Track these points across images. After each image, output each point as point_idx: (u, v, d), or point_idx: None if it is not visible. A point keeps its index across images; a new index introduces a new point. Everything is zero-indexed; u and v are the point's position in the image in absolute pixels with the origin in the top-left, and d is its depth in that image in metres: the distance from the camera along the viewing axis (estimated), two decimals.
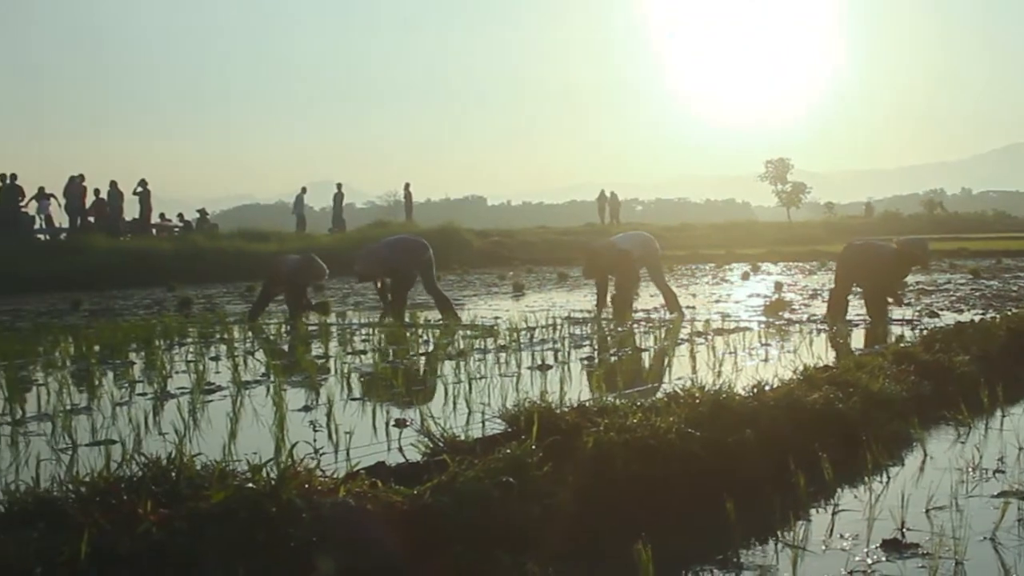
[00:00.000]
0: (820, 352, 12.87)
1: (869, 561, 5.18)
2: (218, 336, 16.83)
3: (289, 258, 20.94)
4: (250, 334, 17.15)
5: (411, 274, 19.19)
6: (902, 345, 11.12)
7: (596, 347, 13.88)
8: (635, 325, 16.79)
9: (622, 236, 19.30)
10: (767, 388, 7.78)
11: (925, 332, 12.65)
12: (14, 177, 40.31)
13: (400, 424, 8.66)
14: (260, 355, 13.90)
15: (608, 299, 18.83)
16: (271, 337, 16.97)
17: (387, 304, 19.26)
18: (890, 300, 17.12)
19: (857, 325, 16.27)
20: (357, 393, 10.42)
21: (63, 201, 42.40)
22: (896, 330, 14.98)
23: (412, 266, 19.05)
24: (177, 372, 12.30)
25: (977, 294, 22.17)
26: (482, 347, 13.79)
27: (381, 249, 19.23)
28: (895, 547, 5.36)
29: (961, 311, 18.03)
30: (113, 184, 44.37)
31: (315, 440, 7.67)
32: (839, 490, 6.51)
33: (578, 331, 15.84)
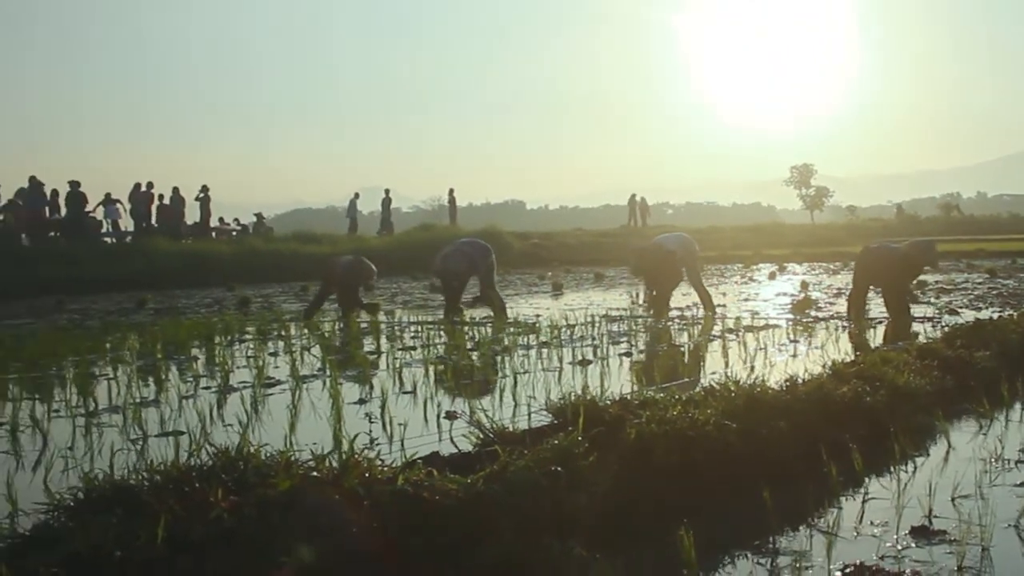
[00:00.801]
0: (846, 348, 12.82)
1: (899, 547, 5.15)
2: (276, 333, 16.87)
3: (341, 259, 21.16)
4: (306, 331, 17.19)
5: (463, 278, 19.44)
6: (925, 341, 11.05)
7: (634, 343, 13.82)
8: (670, 322, 16.76)
9: (667, 236, 19.30)
10: (798, 382, 7.74)
11: (946, 329, 12.58)
12: (77, 184, 40.51)
13: (451, 416, 8.66)
14: (316, 351, 13.94)
15: (649, 297, 18.84)
16: (326, 334, 16.99)
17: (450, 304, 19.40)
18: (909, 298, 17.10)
19: (881, 322, 16.19)
20: (408, 387, 10.42)
21: (128, 206, 42.60)
22: (917, 327, 14.89)
23: (475, 269, 19.28)
24: (238, 367, 12.33)
25: (994, 292, 22.00)
26: (525, 343, 13.78)
27: (461, 248, 19.47)
28: (923, 534, 5.33)
29: (979, 309, 17.90)
30: (176, 190, 44.55)
31: (371, 431, 7.69)
32: (868, 479, 6.47)
33: (615, 328, 15.80)
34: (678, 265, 18.41)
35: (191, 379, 11.55)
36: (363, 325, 17.75)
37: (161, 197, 43.97)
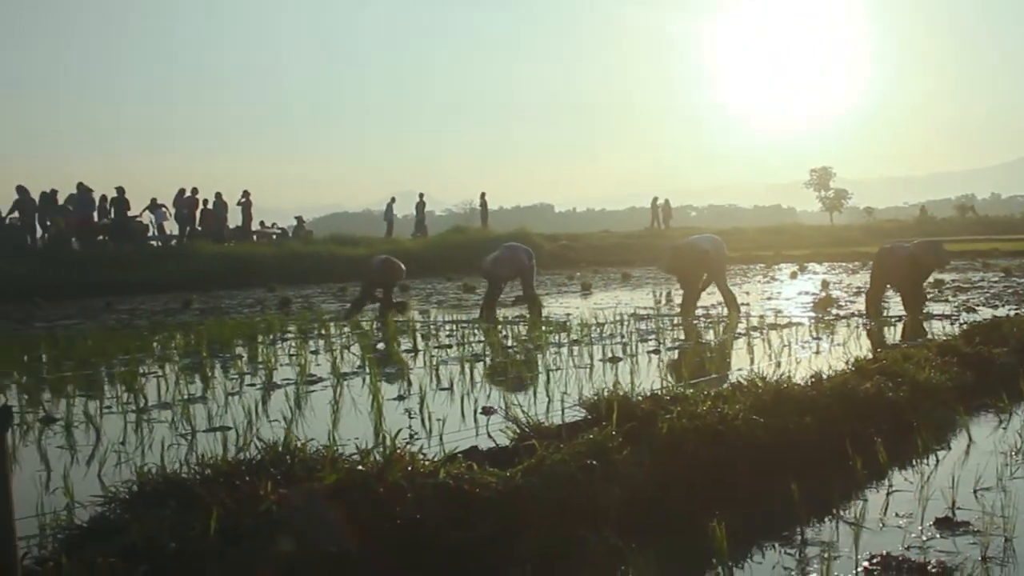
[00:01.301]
0: (867, 345, 12.76)
1: (924, 538, 5.11)
2: (316, 332, 16.91)
3: (372, 259, 21.55)
4: (345, 330, 17.20)
5: (507, 279, 19.88)
6: (944, 338, 10.98)
7: (661, 341, 13.78)
8: (697, 321, 16.72)
9: (700, 237, 19.30)
10: (823, 378, 7.71)
11: (964, 326, 12.50)
12: (123, 191, 40.65)
13: (487, 412, 8.66)
14: (356, 349, 13.95)
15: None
16: (364, 333, 17.00)
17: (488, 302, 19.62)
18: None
19: (900, 319, 16.11)
20: (445, 383, 10.41)
21: (173, 211, 42.72)
22: (936, 324, 14.79)
23: (520, 272, 19.66)
24: (281, 365, 12.36)
25: (1010, 291, 21.84)
26: (557, 341, 13.76)
27: (509, 252, 19.75)
28: (947, 525, 5.29)
29: (996, 306, 17.79)
30: (218, 195, 44.65)
31: (410, 426, 7.69)
32: (892, 472, 6.43)
33: (643, 326, 15.76)
34: (711, 264, 18.41)
35: (236, 376, 11.58)
36: (400, 323, 17.73)
37: (205, 202, 44.07)
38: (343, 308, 21.78)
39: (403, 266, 21.24)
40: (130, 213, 41.18)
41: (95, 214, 40.17)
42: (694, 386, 7.76)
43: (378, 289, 21.06)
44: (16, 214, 38.03)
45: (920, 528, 5.27)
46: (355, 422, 8.39)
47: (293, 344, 15.08)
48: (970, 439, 7.34)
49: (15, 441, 8.00)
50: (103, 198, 40.65)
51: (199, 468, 4.80)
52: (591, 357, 12.01)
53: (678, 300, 20.12)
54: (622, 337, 14.18)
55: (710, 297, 20.03)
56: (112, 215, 40.40)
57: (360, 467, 4.67)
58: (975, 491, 5.90)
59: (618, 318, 16.32)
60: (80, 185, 40.04)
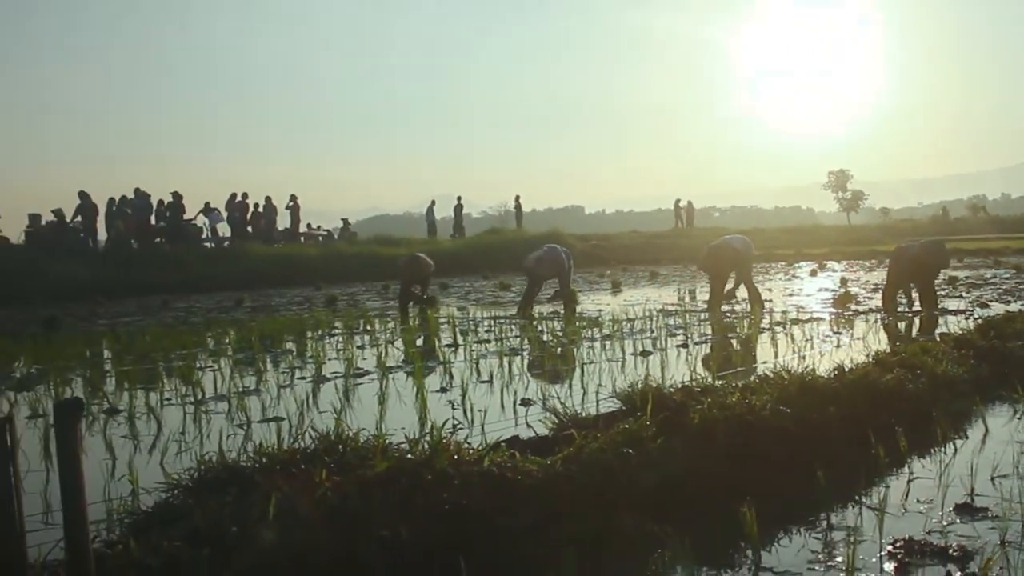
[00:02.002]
0: (884, 339, 12.69)
1: (944, 523, 5.08)
2: (361, 328, 16.94)
3: (400, 259, 22.13)
4: (389, 325, 17.23)
5: (546, 278, 20.02)
6: (960, 332, 10.90)
7: (689, 335, 13.73)
8: (722, 316, 16.68)
9: (732, 237, 19.33)
10: (846, 370, 7.67)
11: (979, 321, 12.41)
12: (179, 196, 40.86)
13: (526, 403, 8.65)
14: (399, 344, 13.97)
15: (729, 292, 18.98)
16: (407, 328, 17.03)
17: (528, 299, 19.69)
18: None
19: (916, 314, 16.02)
20: (485, 376, 10.41)
21: (226, 214, 42.88)
22: (951, 319, 14.68)
23: (560, 271, 19.74)
24: (329, 359, 12.39)
25: (1022, 287, 21.67)
26: (590, 336, 13.74)
27: (550, 253, 19.86)
28: (967, 511, 5.26)
29: (1009, 302, 17.65)
30: (268, 199, 44.80)
31: (453, 417, 7.68)
32: (912, 460, 6.39)
33: (672, 321, 15.72)
34: (741, 263, 18.49)
35: (287, 370, 11.61)
36: (441, 319, 17.75)
37: (255, 206, 44.23)
38: (388, 305, 21.82)
39: (430, 261, 21.67)
40: (185, 217, 41.38)
41: (152, 217, 40.37)
42: (723, 378, 7.74)
43: (416, 286, 21.36)
44: (79, 218, 38.28)
45: (940, 514, 5.24)
46: (401, 413, 8.40)
47: (340, 339, 15.11)
48: (986, 429, 7.28)
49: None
50: (159, 202, 40.87)
51: (257, 457, 4.82)
52: (623, 351, 11.99)
53: (703, 297, 20.12)
54: (652, 332, 14.14)
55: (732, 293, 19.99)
56: (168, 218, 40.60)
57: (409, 455, 4.68)
58: (992, 478, 5.86)
59: (647, 314, 16.29)
60: (137, 190, 40.28)
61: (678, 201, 65.97)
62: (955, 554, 4.56)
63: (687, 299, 22.58)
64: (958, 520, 5.13)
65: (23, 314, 24.53)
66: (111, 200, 39.49)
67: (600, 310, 18.65)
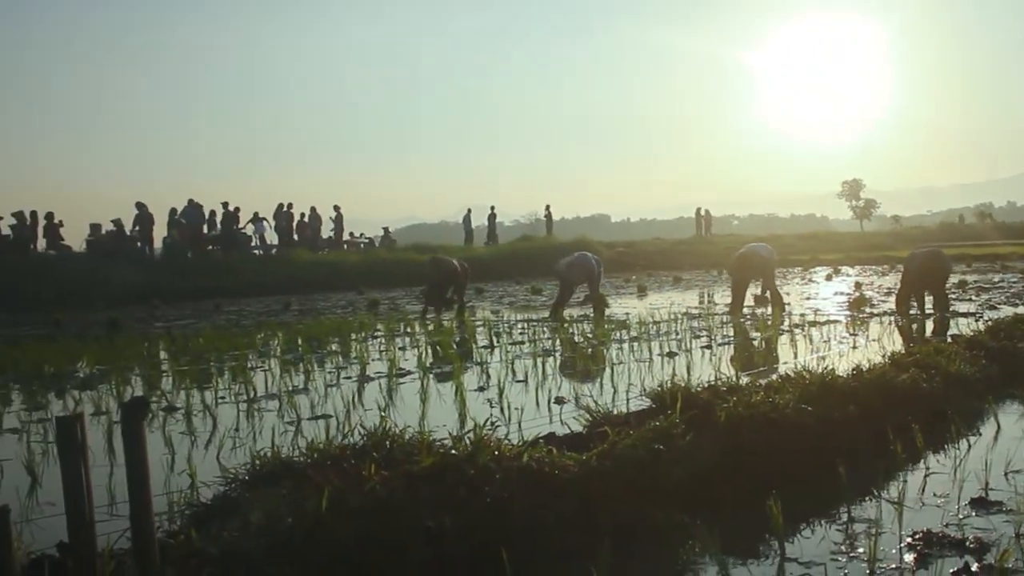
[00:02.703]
0: (899, 340, 12.60)
1: (960, 516, 5.04)
2: (402, 330, 16.96)
3: (425, 263, 22.59)
4: (428, 328, 17.24)
5: (578, 283, 20.04)
6: (971, 334, 10.81)
7: (713, 337, 13.67)
8: (744, 319, 16.62)
9: (758, 245, 19.38)
10: (863, 370, 7.62)
11: (988, 323, 12.31)
12: (227, 206, 41.01)
13: (560, 401, 8.63)
14: (438, 345, 13.97)
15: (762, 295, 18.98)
16: (445, 331, 17.05)
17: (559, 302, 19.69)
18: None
19: (930, 316, 15.91)
20: (520, 376, 10.39)
21: (273, 223, 42.99)
22: (962, 321, 14.56)
23: (590, 276, 19.77)
24: (372, 359, 12.39)
25: None
26: (619, 338, 13.71)
27: (581, 259, 19.88)
28: (982, 504, 5.21)
29: (1017, 305, 17.52)
30: (313, 209, 44.92)
31: (491, 415, 7.67)
32: (928, 456, 6.34)
33: (695, 324, 15.66)
34: (767, 268, 18.61)
35: (333, 370, 11.62)
36: (477, 322, 17.75)
37: (301, 215, 44.37)
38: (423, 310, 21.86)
39: (453, 261, 21.81)
40: (238, 225, 41.56)
41: (205, 226, 40.54)
42: (747, 378, 7.70)
43: (449, 288, 21.44)
44: (137, 228, 38.50)
45: (956, 507, 5.19)
46: (442, 411, 8.40)
47: (382, 341, 15.12)
48: (999, 426, 7.22)
49: None
50: (211, 212, 41.04)
51: (309, 452, 4.82)
52: (650, 352, 11.95)
53: (725, 300, 20.08)
54: (677, 334, 14.09)
55: (750, 297, 19.92)
56: (221, 227, 40.76)
57: (453, 451, 4.68)
58: (1006, 473, 5.81)
59: (672, 317, 16.23)
60: (191, 201, 40.47)
61: (699, 209, 65.77)
62: (972, 546, 4.52)
63: (711, 302, 22.49)
64: (973, 513, 5.08)
65: (85, 317, 24.69)
66: (173, 210, 39.76)
67: (627, 313, 18.60)
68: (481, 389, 9.66)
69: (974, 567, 4.24)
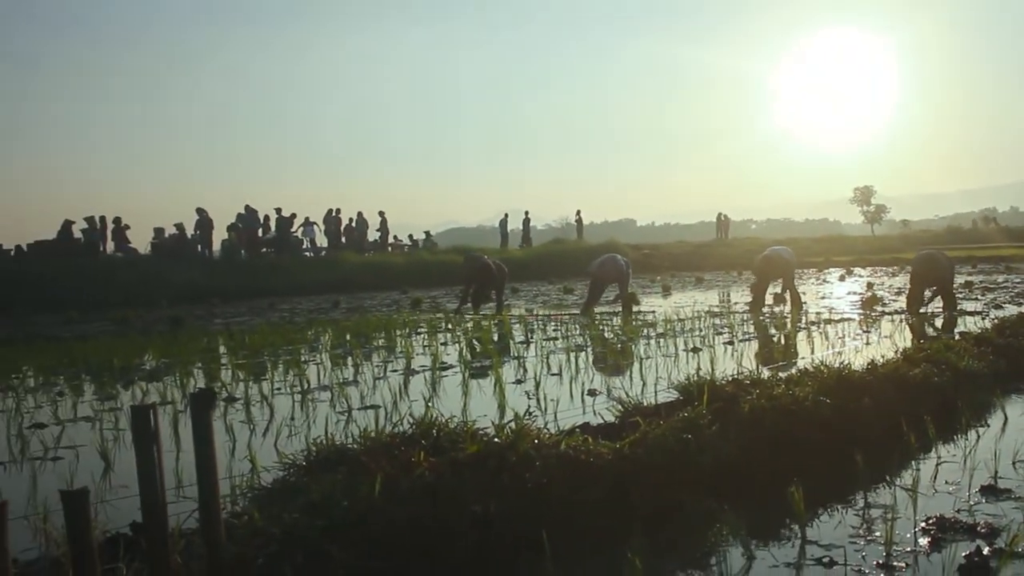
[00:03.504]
0: (909, 337, 12.51)
1: (971, 503, 5.00)
2: (443, 326, 16.98)
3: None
4: (468, 324, 17.25)
5: (608, 283, 19.98)
6: (978, 331, 10.72)
7: (734, 334, 13.61)
8: (763, 317, 16.54)
9: (780, 248, 19.34)
10: (878, 365, 7.57)
11: (995, 321, 12.20)
12: (292, 214, 41.24)
13: (592, 393, 8.62)
14: (477, 341, 13.98)
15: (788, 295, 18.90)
16: (484, 327, 17.07)
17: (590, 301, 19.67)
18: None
19: (938, 315, 15.78)
20: (555, 369, 10.38)
21: (323, 227, 43.16)
22: (970, 320, 14.43)
23: (620, 277, 19.68)
24: (416, 354, 12.41)
25: None
26: (646, 334, 13.68)
27: (612, 261, 19.75)
28: (991, 492, 5.17)
29: (1021, 304, 17.32)
30: (359, 214, 45.05)
31: (528, 406, 7.68)
32: (940, 446, 6.30)
33: (717, 321, 15.60)
34: (788, 269, 18.63)
35: (380, 364, 11.65)
36: (513, 319, 17.75)
37: (349, 220, 44.52)
38: (465, 307, 21.87)
39: (486, 258, 21.82)
40: (290, 229, 41.74)
41: (260, 230, 40.72)
42: (768, 372, 7.67)
43: (487, 286, 21.46)
44: (197, 231, 38.74)
45: (967, 494, 5.15)
46: (482, 402, 8.40)
47: (425, 336, 15.15)
48: (1006, 418, 7.16)
49: None
50: (266, 217, 41.23)
51: (362, 440, 4.84)
52: (676, 347, 11.91)
53: (745, 300, 20.00)
54: (700, 331, 14.04)
55: (770, 296, 19.84)
56: (276, 231, 40.94)
57: (495, 439, 4.68)
58: (1014, 463, 5.76)
59: (696, 314, 16.19)
60: (247, 207, 40.68)
61: (720, 215, 65.48)
62: (983, 531, 4.49)
63: (732, 301, 22.40)
64: (984, 500, 5.04)
65: (150, 315, 24.89)
66: (239, 214, 40.03)
67: (653, 311, 18.55)
68: (519, 382, 9.65)
69: (986, 550, 4.20)
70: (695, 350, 11.65)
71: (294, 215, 41.96)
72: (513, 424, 4.88)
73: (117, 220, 37.39)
